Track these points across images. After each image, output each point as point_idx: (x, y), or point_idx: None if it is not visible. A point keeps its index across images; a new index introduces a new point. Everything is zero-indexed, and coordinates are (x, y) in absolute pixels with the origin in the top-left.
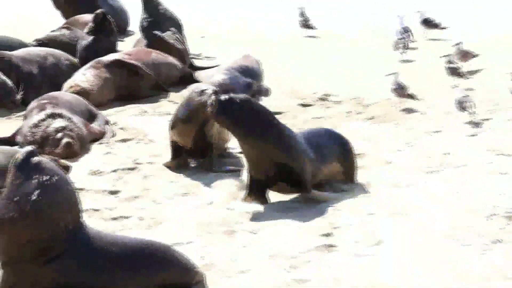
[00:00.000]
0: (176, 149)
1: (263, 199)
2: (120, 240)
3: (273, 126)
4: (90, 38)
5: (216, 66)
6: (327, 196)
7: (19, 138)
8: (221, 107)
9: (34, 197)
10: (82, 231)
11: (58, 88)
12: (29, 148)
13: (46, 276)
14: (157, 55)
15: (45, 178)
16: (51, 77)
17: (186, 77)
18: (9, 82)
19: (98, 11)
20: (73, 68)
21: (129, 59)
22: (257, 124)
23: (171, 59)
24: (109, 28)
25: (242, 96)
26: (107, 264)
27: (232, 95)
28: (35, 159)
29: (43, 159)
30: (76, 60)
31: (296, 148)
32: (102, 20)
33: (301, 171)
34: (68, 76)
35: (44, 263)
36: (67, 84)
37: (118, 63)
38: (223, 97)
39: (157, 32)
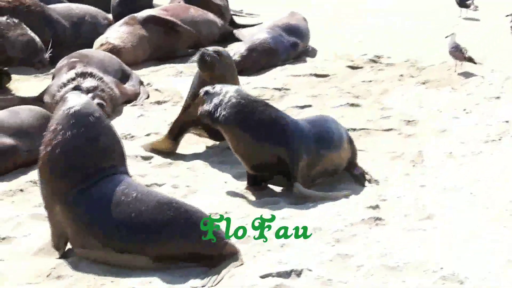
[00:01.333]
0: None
1: (262, 188)
2: (151, 194)
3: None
4: None
5: (259, 23)
6: (320, 195)
7: (46, 98)
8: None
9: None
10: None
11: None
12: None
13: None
14: (196, 11)
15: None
16: (86, 37)
17: (226, 35)
18: (38, 40)
19: None
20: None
21: (166, 15)
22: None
23: (211, 16)
24: None
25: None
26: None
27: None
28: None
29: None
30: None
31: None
32: None
33: (294, 165)
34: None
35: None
36: (98, 41)
37: (154, 19)
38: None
39: None
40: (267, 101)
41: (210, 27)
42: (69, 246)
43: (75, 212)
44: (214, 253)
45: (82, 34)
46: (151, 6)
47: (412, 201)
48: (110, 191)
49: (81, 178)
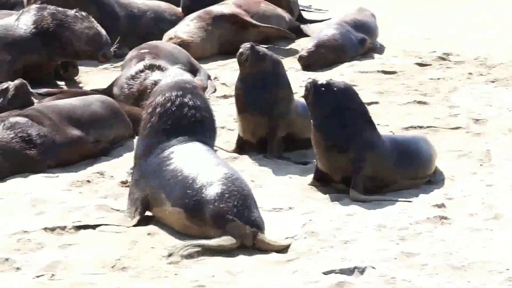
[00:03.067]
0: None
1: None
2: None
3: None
4: None
5: (328, 19)
6: (378, 199)
7: (115, 90)
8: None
9: None
10: None
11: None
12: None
13: None
14: (266, 6)
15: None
16: (144, 31)
17: (294, 31)
18: (104, 34)
19: None
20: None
21: (243, 14)
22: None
23: (280, 11)
24: None
25: (341, 84)
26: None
27: (330, 81)
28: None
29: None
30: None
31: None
32: None
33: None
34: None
35: None
36: (167, 35)
37: (231, 18)
38: (321, 82)
39: None
40: None
41: (279, 22)
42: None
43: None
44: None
45: (141, 27)
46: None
47: (479, 200)
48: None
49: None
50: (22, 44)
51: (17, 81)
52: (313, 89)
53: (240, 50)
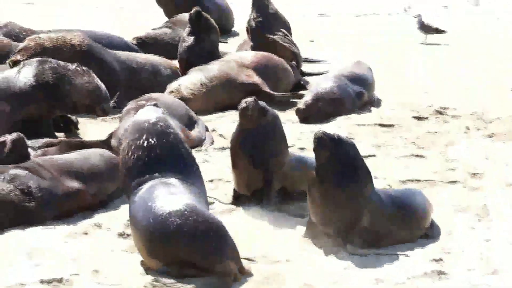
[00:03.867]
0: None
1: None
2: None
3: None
4: (191, 39)
5: (325, 72)
6: (374, 253)
7: (113, 141)
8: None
9: None
10: None
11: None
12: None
13: None
14: (277, 61)
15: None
16: (144, 84)
17: (296, 84)
18: (103, 88)
19: (193, 10)
20: (173, 78)
21: (260, 83)
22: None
23: (287, 66)
24: (207, 26)
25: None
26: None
27: (341, 136)
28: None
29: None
30: (177, 64)
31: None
32: (197, 19)
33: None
34: (166, 84)
35: None
36: (170, 87)
37: (248, 87)
38: (332, 134)
39: (276, 35)
40: None
41: (287, 76)
42: None
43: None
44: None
45: (140, 81)
46: (215, 51)
47: (477, 255)
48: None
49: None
50: (22, 97)
51: (14, 135)
52: (318, 139)
53: (243, 104)
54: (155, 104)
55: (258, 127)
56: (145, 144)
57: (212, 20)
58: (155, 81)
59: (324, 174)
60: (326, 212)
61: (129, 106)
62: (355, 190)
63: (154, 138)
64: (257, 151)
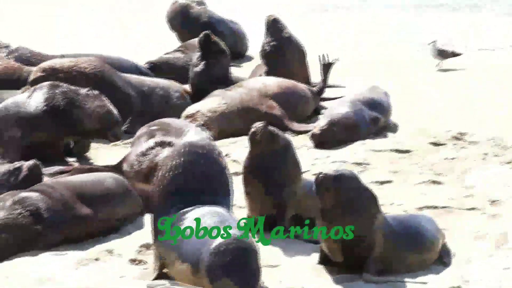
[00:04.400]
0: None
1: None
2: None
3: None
4: (200, 64)
5: (340, 97)
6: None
7: (125, 166)
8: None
9: None
10: None
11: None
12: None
13: None
14: (300, 90)
15: None
16: (158, 111)
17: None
18: (115, 113)
19: (202, 34)
20: (184, 99)
21: (283, 116)
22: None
23: (308, 92)
24: (216, 50)
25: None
26: None
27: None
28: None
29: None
30: (188, 89)
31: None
32: (206, 42)
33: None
34: (176, 108)
35: None
36: (186, 112)
37: (268, 118)
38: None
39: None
40: None
41: (306, 102)
42: None
43: None
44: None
45: (152, 105)
46: (226, 76)
47: (496, 284)
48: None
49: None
50: (32, 121)
51: (30, 162)
52: (319, 182)
53: (253, 129)
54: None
55: (269, 153)
56: (189, 166)
57: (221, 43)
58: (166, 105)
59: (332, 215)
60: (334, 245)
61: (141, 131)
62: (362, 222)
63: (201, 161)
64: (268, 178)
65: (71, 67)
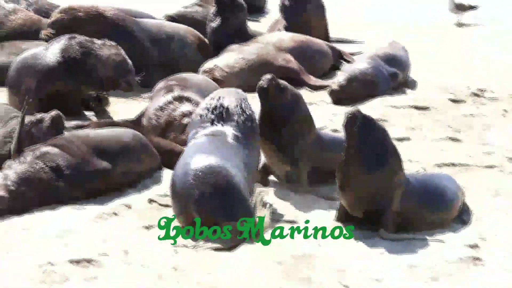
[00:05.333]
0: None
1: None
2: None
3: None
4: (217, 19)
5: (359, 53)
6: (408, 238)
7: (144, 121)
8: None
9: None
10: None
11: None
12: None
13: None
14: (316, 45)
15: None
16: (173, 57)
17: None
18: (129, 62)
19: None
20: (199, 51)
21: (297, 69)
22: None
23: (325, 47)
24: (233, 4)
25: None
26: None
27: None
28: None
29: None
30: (205, 39)
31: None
32: None
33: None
34: (191, 60)
35: None
36: (204, 67)
37: (285, 72)
38: (365, 114)
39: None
40: None
41: (324, 58)
42: None
43: None
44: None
45: (170, 53)
46: (243, 30)
47: None
48: None
49: None
50: (48, 72)
51: (53, 112)
52: (349, 119)
53: (261, 82)
54: None
55: (278, 107)
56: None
57: None
58: (183, 54)
59: (353, 156)
60: (354, 197)
61: (160, 85)
62: (383, 175)
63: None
64: (278, 134)
65: (90, 7)
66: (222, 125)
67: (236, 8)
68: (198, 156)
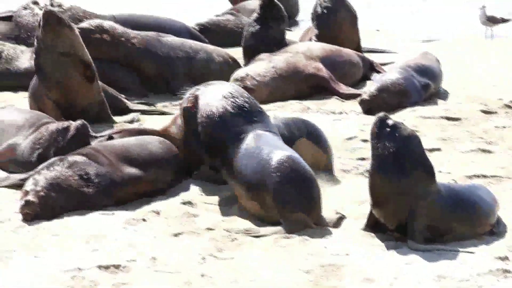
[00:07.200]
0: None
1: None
2: None
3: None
4: (258, 25)
5: (391, 63)
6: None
7: (173, 129)
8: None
9: None
10: None
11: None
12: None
13: None
14: (346, 55)
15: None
16: (197, 74)
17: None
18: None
19: None
20: (226, 65)
21: (328, 78)
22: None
23: (356, 57)
24: (278, 15)
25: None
26: None
27: (398, 124)
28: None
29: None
30: (228, 55)
31: None
32: (270, 6)
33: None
34: (216, 73)
35: None
36: (235, 75)
37: (316, 81)
38: (389, 121)
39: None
40: None
41: (355, 71)
42: None
43: None
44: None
45: (194, 68)
46: (283, 40)
47: None
48: None
49: None
50: None
51: (78, 122)
52: (378, 125)
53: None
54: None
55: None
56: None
57: (283, 9)
58: (209, 69)
59: (380, 163)
60: (383, 207)
61: (188, 94)
62: (409, 184)
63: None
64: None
65: (120, 37)
66: (258, 122)
67: (280, 18)
68: (273, 149)
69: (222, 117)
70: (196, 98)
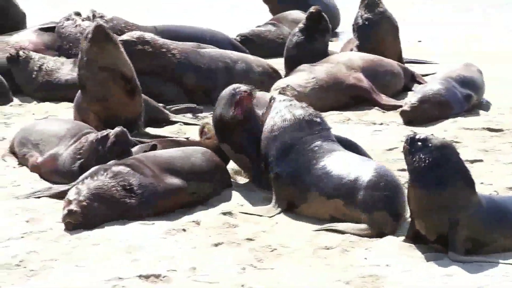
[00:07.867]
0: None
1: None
2: None
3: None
4: (303, 36)
5: (433, 74)
6: (479, 260)
7: (214, 140)
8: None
9: None
10: None
11: None
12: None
13: None
14: (387, 65)
15: None
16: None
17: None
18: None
19: (314, 8)
20: (266, 75)
21: (369, 88)
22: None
23: (397, 67)
24: (324, 28)
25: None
26: None
27: (429, 137)
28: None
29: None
30: (269, 66)
31: None
32: (318, 19)
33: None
34: (256, 83)
35: None
36: (276, 85)
37: (357, 91)
38: (418, 137)
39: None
40: None
41: (396, 82)
42: None
43: None
44: None
45: (234, 78)
46: (326, 51)
47: None
48: None
49: None
50: None
51: (117, 129)
52: (409, 141)
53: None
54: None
55: None
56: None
57: (329, 21)
58: (247, 78)
59: (417, 176)
60: (425, 217)
61: None
62: (449, 196)
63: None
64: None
65: (161, 48)
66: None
67: (326, 30)
68: (358, 160)
69: (293, 125)
70: (250, 108)
